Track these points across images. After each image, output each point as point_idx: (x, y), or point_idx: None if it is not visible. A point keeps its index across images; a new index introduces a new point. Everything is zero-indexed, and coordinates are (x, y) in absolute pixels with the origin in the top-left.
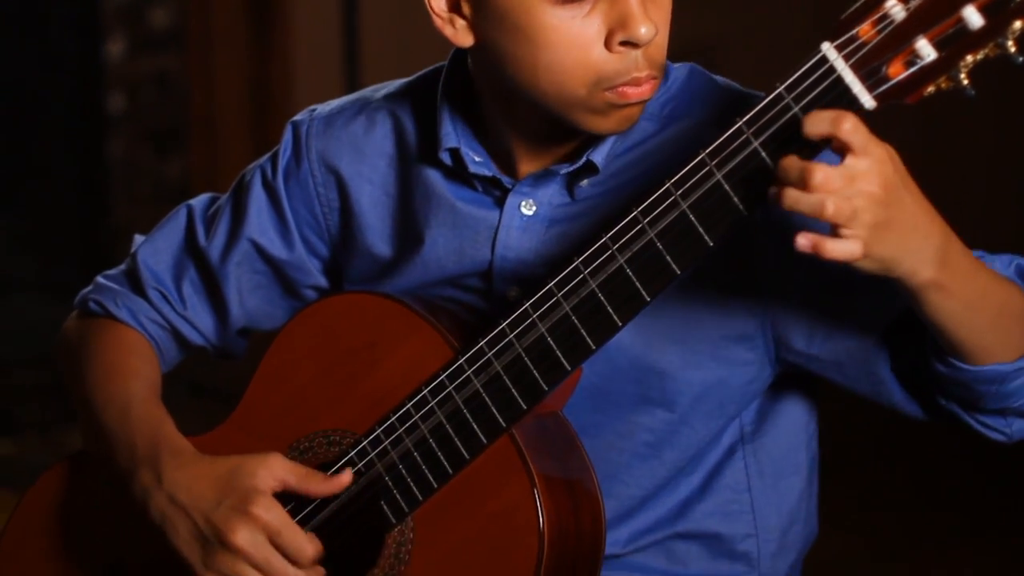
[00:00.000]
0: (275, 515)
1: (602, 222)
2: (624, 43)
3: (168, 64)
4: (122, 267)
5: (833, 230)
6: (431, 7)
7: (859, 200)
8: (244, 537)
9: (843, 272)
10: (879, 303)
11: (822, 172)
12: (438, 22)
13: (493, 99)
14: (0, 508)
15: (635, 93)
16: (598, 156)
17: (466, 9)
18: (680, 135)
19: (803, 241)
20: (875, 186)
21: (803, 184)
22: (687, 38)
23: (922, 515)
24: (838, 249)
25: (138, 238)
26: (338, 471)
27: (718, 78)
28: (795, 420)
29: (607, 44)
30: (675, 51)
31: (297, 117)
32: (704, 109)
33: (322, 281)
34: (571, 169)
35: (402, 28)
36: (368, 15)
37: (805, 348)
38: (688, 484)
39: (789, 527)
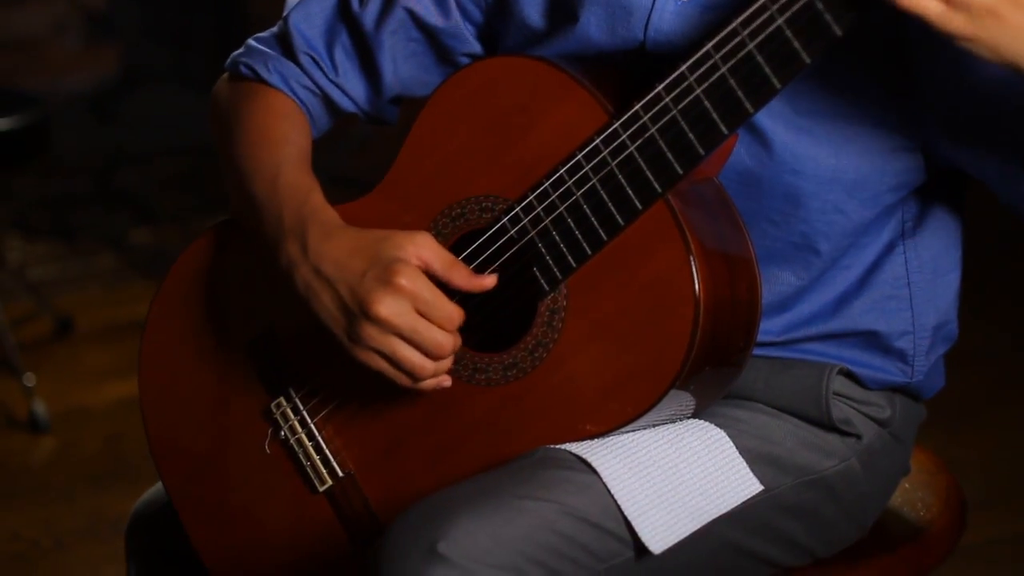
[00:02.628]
0: (421, 284)
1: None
2: None
3: None
4: (273, 30)
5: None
6: None
7: None
8: (389, 306)
9: (994, 70)
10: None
11: None
12: None
13: None
14: (142, 298)
15: None
16: None
17: None
18: None
19: None
20: None
21: None
22: None
23: None
24: (921, 3)
25: (290, 2)
26: (488, 258)
27: None
28: (952, 216)
29: None
30: None
31: None
32: None
33: (477, 48)
34: None
35: None
36: None
37: (955, 142)
38: (846, 278)
39: (944, 324)
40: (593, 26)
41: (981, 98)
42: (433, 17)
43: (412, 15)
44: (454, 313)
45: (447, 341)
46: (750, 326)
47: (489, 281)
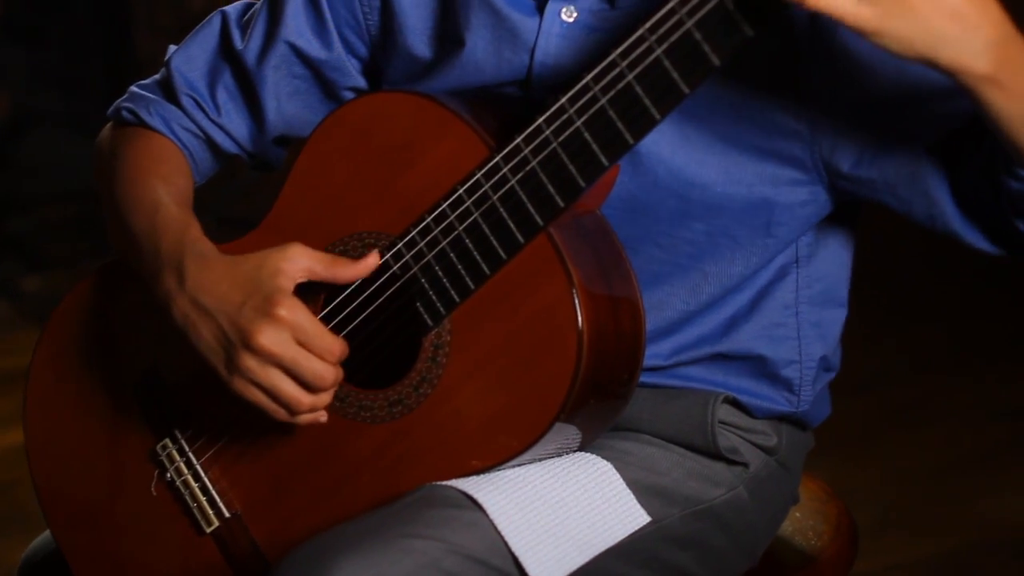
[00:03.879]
0: (301, 314)
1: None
2: None
3: None
4: (156, 76)
5: None
6: None
7: None
8: (269, 337)
9: (890, 85)
10: (926, 117)
11: None
12: None
13: None
14: (30, 345)
15: None
16: None
17: None
18: None
19: None
20: None
21: None
22: None
23: (961, 326)
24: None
25: (172, 47)
26: (372, 294)
27: None
28: (845, 248)
29: None
30: None
31: None
32: None
33: (361, 82)
34: None
35: None
36: None
37: (854, 170)
38: (737, 301)
39: (829, 356)
40: (480, 51)
41: (872, 111)
42: (315, 50)
43: (294, 48)
44: (335, 345)
45: (328, 373)
46: (634, 357)
47: (372, 260)
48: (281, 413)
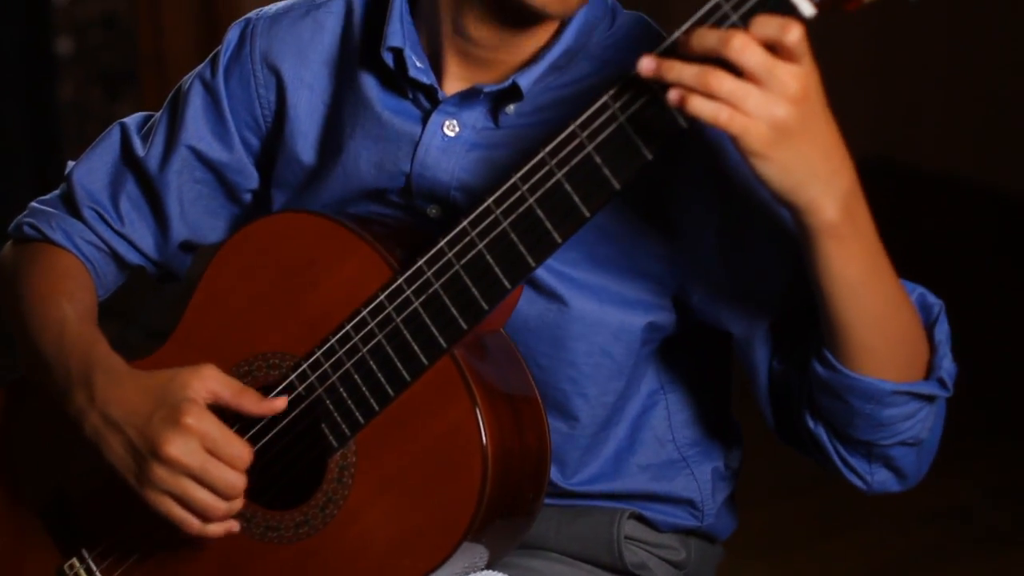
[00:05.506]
0: (209, 423)
1: (526, 150)
2: None
3: (115, 5)
4: (57, 191)
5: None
6: None
7: (772, 87)
8: (178, 446)
9: (760, 233)
10: (780, 291)
11: (743, 38)
12: None
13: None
14: None
15: None
16: (524, 81)
17: None
18: (615, 79)
19: (673, 95)
20: (793, 83)
21: (720, 47)
22: None
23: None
24: (707, 107)
25: (71, 162)
26: (278, 395)
27: (665, 33)
28: (715, 364)
29: None
30: None
31: (244, 17)
32: None
33: (259, 182)
34: (496, 89)
35: None
36: None
37: (700, 305)
38: (616, 435)
39: (722, 468)
40: (363, 160)
41: (734, 259)
42: (216, 152)
43: (196, 152)
44: (244, 452)
45: (238, 480)
46: (540, 475)
47: (279, 403)
48: (194, 524)
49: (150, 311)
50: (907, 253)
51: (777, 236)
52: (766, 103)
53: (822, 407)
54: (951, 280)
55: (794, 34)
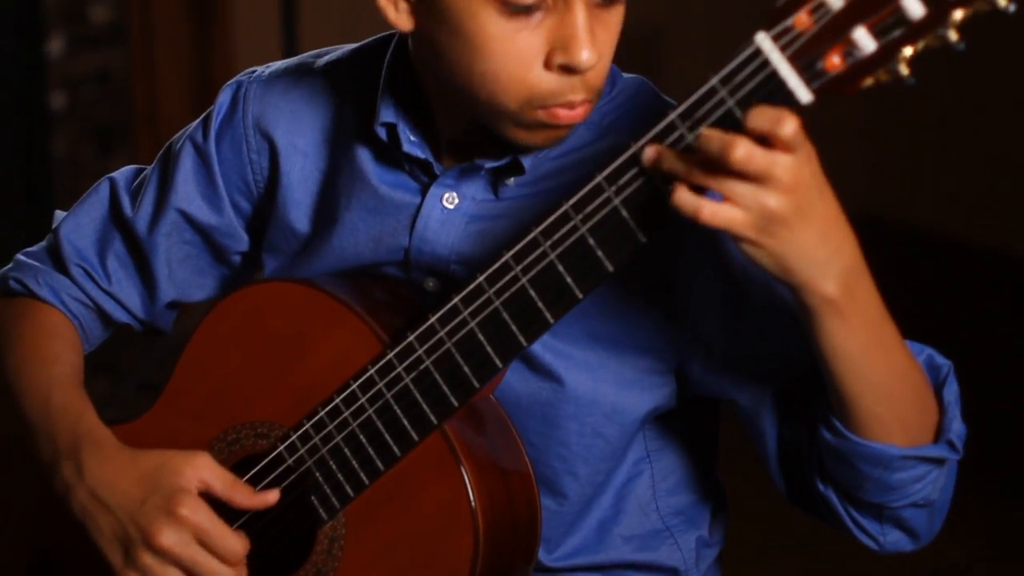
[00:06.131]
0: (203, 515)
1: (526, 222)
2: (564, 66)
3: (109, 60)
4: (43, 243)
5: (728, 201)
6: None
7: (771, 184)
8: (170, 538)
9: (759, 310)
10: (785, 358)
11: (744, 147)
12: (381, 1)
13: (429, 83)
14: None
15: (567, 116)
16: (526, 159)
17: None
18: (615, 148)
19: (684, 197)
20: (788, 176)
21: (723, 155)
22: (637, 19)
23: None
24: (719, 214)
25: (59, 214)
26: (266, 486)
27: (666, 97)
28: (700, 432)
29: (547, 63)
30: (624, 33)
31: (236, 78)
32: (644, 126)
33: (249, 245)
34: (496, 165)
35: (344, 22)
36: (308, 9)
37: (701, 378)
38: (600, 505)
39: (705, 536)
40: (360, 233)
41: (739, 333)
42: (206, 216)
43: (185, 215)
44: (237, 546)
45: (228, 574)
46: (531, 547)
47: (271, 497)
48: None
49: (140, 364)
50: (902, 313)
51: (778, 306)
52: (755, 195)
53: (831, 471)
54: (946, 340)
55: (789, 127)
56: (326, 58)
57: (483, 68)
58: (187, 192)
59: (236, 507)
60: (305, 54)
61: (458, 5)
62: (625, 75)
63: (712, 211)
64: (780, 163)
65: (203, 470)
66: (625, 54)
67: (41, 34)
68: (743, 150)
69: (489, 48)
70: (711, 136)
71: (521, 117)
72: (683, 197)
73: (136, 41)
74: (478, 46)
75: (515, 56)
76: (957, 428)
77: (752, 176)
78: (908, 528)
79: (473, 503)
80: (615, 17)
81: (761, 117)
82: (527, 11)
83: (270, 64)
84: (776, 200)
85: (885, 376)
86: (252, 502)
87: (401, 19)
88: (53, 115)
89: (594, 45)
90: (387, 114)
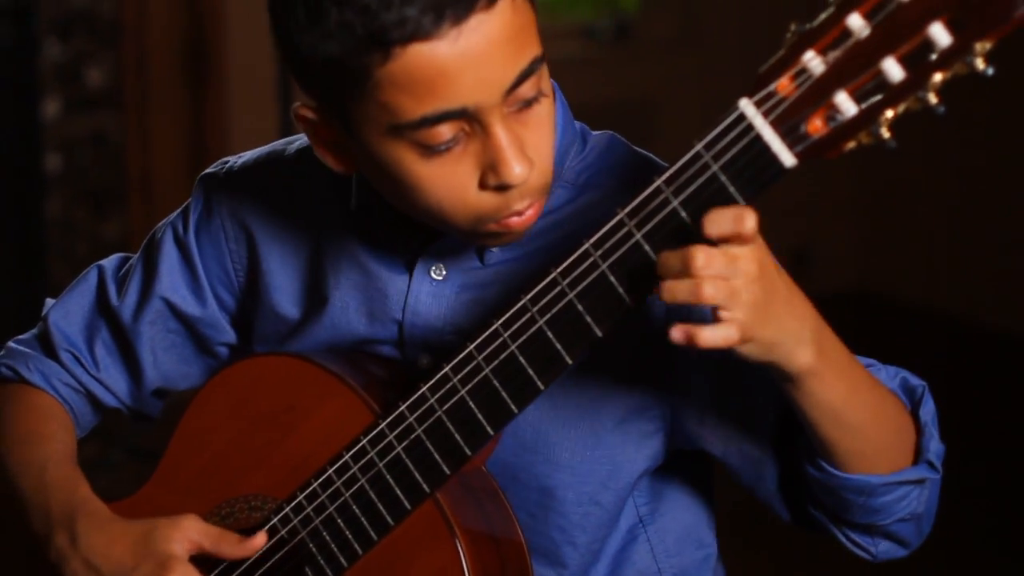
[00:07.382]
0: None
1: (515, 287)
2: (498, 186)
3: (105, 124)
4: (33, 331)
5: (713, 314)
6: (307, 132)
7: (738, 280)
8: None
9: (741, 373)
10: (774, 409)
11: (703, 254)
12: (317, 151)
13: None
14: None
15: (518, 223)
16: None
17: (343, 142)
18: (595, 203)
19: (676, 334)
20: (753, 265)
21: (686, 270)
22: (629, 93)
23: None
24: (714, 336)
25: (49, 301)
26: (261, 558)
27: (638, 149)
28: (695, 489)
29: (482, 184)
30: (615, 103)
31: (208, 170)
32: (620, 179)
33: (234, 337)
34: None
35: None
36: None
37: (696, 430)
38: (597, 572)
39: None
40: (352, 310)
41: (735, 394)
42: (190, 306)
43: (169, 305)
44: None
45: None
46: None
47: (259, 541)
48: None
49: (130, 429)
50: None
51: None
52: (732, 298)
53: (820, 499)
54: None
55: (750, 222)
56: (297, 144)
57: (425, 203)
58: (172, 282)
59: (227, 559)
60: (275, 142)
61: (382, 154)
62: (594, 132)
63: (705, 336)
64: (743, 256)
65: (190, 531)
66: (617, 126)
67: (36, 96)
68: (702, 256)
69: (423, 186)
70: (668, 256)
71: (478, 231)
72: (675, 335)
73: (131, 105)
74: (412, 186)
75: (450, 188)
76: (935, 448)
77: (721, 274)
78: (898, 539)
79: (467, 572)
80: (540, 113)
81: (719, 222)
82: (446, 147)
83: (242, 155)
84: (749, 292)
85: (863, 416)
86: (240, 551)
87: (340, 166)
88: (47, 177)
89: (523, 156)
90: (363, 195)
